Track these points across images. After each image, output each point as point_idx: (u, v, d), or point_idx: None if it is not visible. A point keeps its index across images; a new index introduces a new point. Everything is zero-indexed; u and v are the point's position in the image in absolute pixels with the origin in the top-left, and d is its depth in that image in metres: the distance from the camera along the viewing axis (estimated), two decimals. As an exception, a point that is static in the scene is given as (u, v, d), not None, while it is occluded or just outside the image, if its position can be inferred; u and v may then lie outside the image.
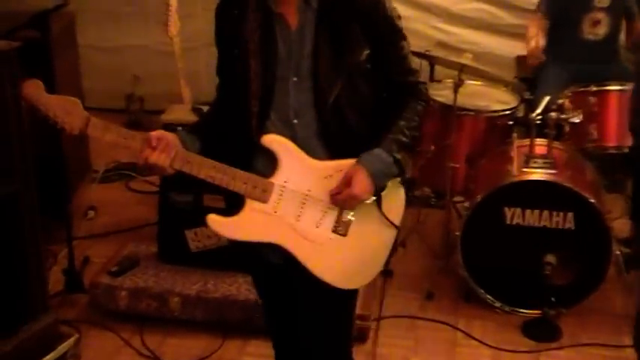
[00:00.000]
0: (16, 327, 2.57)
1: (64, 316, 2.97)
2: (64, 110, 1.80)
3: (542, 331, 3.02)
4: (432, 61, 3.65)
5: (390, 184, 1.88)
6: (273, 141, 1.84)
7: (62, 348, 2.69)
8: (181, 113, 3.34)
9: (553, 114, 3.08)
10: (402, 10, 1.91)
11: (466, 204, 3.28)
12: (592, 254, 3.04)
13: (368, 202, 1.85)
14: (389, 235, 1.93)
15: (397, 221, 1.92)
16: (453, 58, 3.40)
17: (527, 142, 3.15)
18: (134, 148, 1.82)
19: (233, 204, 1.87)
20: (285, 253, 1.87)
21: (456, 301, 3.23)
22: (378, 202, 1.87)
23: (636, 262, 3.31)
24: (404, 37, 1.89)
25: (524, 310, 3.12)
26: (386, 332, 3.01)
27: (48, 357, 2.63)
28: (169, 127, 3.22)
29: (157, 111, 3.89)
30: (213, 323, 2.96)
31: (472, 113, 3.41)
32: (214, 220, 1.86)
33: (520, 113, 3.45)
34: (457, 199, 3.54)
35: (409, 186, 1.94)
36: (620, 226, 3.46)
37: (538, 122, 3.11)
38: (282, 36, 1.83)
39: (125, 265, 3.09)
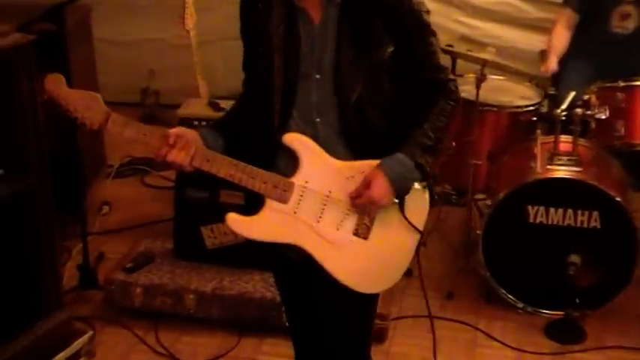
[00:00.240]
0: (30, 323, 2.55)
1: (78, 312, 2.95)
2: (85, 105, 1.78)
3: (565, 333, 2.96)
4: (454, 55, 3.58)
5: (414, 187, 1.83)
6: (294, 140, 1.80)
7: (76, 344, 2.67)
8: (197, 107, 3.31)
9: (579, 110, 3.01)
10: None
11: (488, 202, 3.20)
12: (618, 254, 2.98)
13: (390, 205, 1.80)
14: (412, 240, 1.89)
15: (420, 225, 1.88)
16: (476, 52, 3.34)
17: (551, 138, 3.09)
18: (153, 146, 1.79)
19: (253, 202, 1.83)
20: (304, 253, 1.83)
21: (476, 301, 3.17)
22: (401, 206, 1.83)
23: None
24: (433, 33, 1.83)
25: (547, 311, 3.06)
26: (405, 332, 2.97)
27: (62, 353, 2.61)
28: (185, 121, 3.19)
29: (172, 105, 3.86)
30: (228, 321, 2.93)
31: (495, 109, 3.35)
32: (234, 220, 1.83)
33: (544, 109, 3.39)
34: (479, 196, 3.46)
35: (432, 190, 1.88)
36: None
37: (563, 118, 3.04)
38: (305, 31, 1.80)
39: (140, 262, 3.07)
